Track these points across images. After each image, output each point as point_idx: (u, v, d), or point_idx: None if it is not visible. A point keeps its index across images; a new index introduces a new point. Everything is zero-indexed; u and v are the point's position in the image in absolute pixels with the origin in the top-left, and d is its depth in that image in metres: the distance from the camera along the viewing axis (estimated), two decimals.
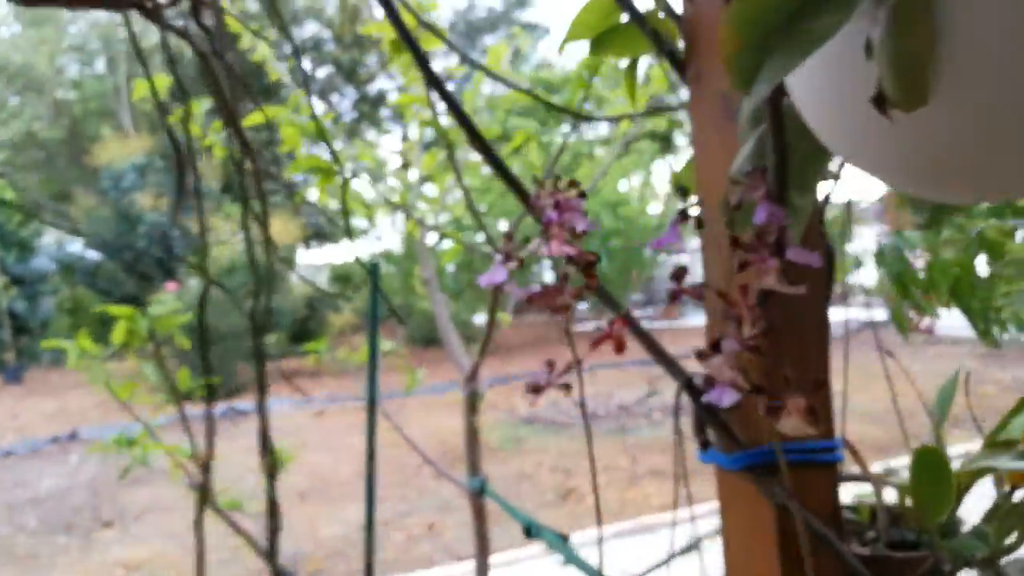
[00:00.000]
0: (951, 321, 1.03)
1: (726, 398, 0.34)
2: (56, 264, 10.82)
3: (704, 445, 0.54)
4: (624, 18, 0.56)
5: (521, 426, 5.49)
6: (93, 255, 10.91)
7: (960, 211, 0.80)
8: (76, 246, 11.00)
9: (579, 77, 1.15)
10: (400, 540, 3.45)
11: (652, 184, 10.59)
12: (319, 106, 15.62)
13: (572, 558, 1.00)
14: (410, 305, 8.98)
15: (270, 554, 1.04)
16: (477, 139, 0.55)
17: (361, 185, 1.78)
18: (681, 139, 11.36)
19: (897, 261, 1.00)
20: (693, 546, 0.82)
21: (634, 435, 5.03)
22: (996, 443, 0.55)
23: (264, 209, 0.50)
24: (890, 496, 0.59)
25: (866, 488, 0.64)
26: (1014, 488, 0.53)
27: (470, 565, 2.30)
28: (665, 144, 11.09)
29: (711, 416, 0.50)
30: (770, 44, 0.33)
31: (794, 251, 0.33)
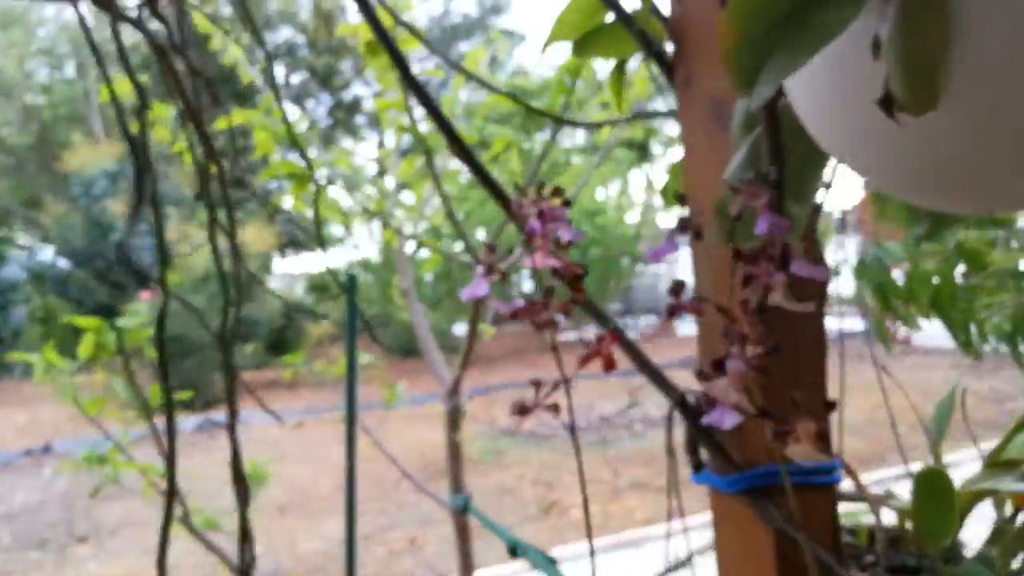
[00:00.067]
0: (927, 331, 1.02)
1: (728, 420, 0.32)
2: (27, 273, 10.63)
3: (697, 467, 0.52)
4: (610, 18, 0.54)
5: (501, 438, 5.45)
6: (64, 264, 10.73)
7: (962, 222, 0.79)
8: (47, 254, 10.82)
9: (560, 82, 1.13)
10: (381, 555, 3.39)
11: (629, 193, 10.63)
12: (294, 112, 15.52)
13: None
14: (388, 315, 8.91)
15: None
16: (457, 144, 0.52)
17: (337, 192, 1.74)
18: (658, 148, 11.42)
19: (878, 272, 0.99)
20: (685, 562, 0.79)
21: (615, 447, 5.01)
22: (997, 463, 0.53)
23: (231, 217, 0.47)
24: (887, 516, 0.57)
25: (852, 506, 0.62)
26: (1017, 510, 0.51)
27: None
28: (642, 152, 11.13)
29: (705, 437, 0.48)
30: (773, 39, 0.30)
31: (798, 264, 0.31)
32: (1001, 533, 0.52)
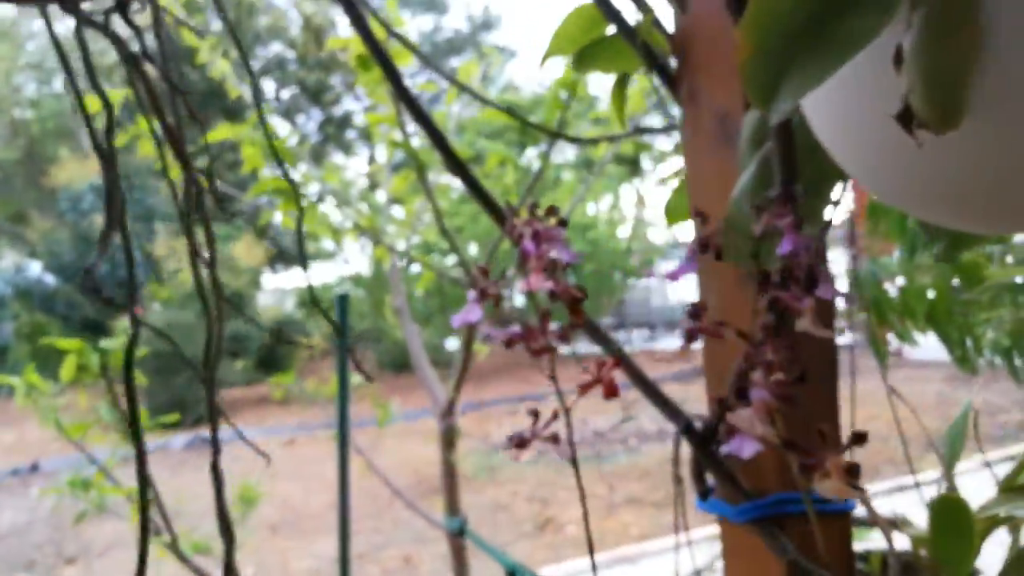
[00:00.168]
0: (919, 344, 1.01)
1: (747, 449, 0.30)
2: (13, 289, 10.54)
3: (704, 494, 0.50)
4: (611, 31, 0.52)
5: (495, 454, 5.41)
6: (51, 279, 10.65)
7: (982, 242, 0.78)
8: (34, 270, 10.74)
9: (555, 97, 1.11)
10: (376, 574, 3.34)
11: (620, 207, 10.64)
12: (284, 127, 15.50)
13: None
14: (380, 330, 8.87)
15: None
16: (453, 159, 0.50)
17: (328, 208, 1.72)
18: (648, 163, 11.45)
19: (873, 287, 0.98)
20: None
21: (610, 462, 4.98)
22: (1013, 488, 0.51)
23: (209, 235, 0.45)
24: (900, 541, 0.55)
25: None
26: None
27: None
28: (633, 167, 11.16)
29: (714, 464, 0.46)
30: (794, 52, 0.28)
31: (825, 287, 0.29)
32: (1018, 562, 0.50)
